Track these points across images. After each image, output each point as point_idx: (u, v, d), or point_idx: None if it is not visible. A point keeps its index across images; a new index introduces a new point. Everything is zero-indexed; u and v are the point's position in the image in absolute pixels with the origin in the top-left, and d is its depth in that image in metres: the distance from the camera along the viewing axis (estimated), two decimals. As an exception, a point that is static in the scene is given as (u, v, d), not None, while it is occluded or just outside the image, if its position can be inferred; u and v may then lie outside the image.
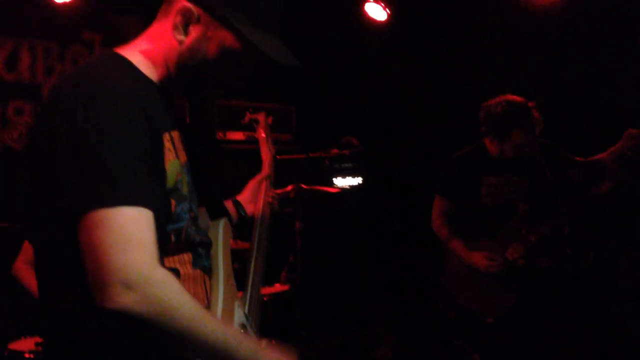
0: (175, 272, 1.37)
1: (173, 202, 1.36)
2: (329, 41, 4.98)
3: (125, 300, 1.15)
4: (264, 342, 1.50)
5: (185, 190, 1.41)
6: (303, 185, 3.66)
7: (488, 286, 3.17)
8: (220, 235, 1.60)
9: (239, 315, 1.54)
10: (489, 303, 3.17)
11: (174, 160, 1.37)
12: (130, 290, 1.15)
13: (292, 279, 3.76)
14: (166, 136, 1.36)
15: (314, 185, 3.79)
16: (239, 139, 4.47)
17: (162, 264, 1.33)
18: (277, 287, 3.83)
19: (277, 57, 1.40)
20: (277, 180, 3.71)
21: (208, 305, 1.45)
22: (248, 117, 2.36)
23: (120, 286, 1.15)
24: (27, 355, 2.77)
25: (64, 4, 3.99)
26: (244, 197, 2.01)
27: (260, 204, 1.98)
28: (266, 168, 2.13)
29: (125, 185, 1.19)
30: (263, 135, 2.25)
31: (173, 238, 1.37)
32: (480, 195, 3.23)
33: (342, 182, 4.66)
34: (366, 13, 4.68)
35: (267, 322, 3.18)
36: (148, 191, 1.24)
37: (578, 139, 3.50)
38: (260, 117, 2.30)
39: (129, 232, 1.17)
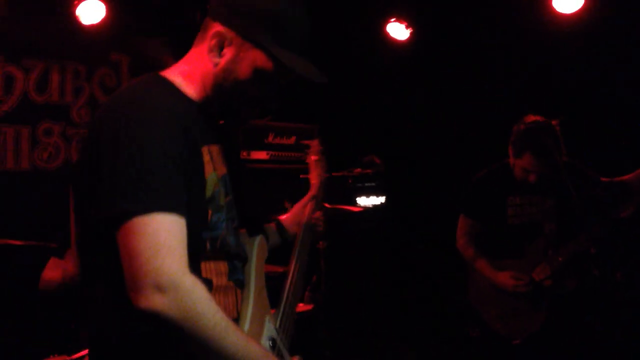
0: (208, 282, 1.44)
1: (210, 211, 1.45)
2: (351, 61, 5.00)
3: (156, 302, 1.24)
4: (295, 359, 1.54)
5: (222, 201, 1.49)
6: (326, 205, 3.67)
7: (514, 307, 3.13)
8: (255, 251, 1.67)
9: (269, 328, 1.59)
10: (515, 324, 3.12)
11: (212, 173, 1.46)
12: (161, 292, 1.24)
13: (316, 298, 3.75)
14: (205, 150, 1.45)
15: (337, 204, 3.80)
16: (262, 158, 4.50)
17: (199, 268, 1.43)
18: (301, 307, 3.82)
19: (306, 74, 1.49)
20: (301, 199, 3.73)
21: (237, 316, 1.52)
22: (301, 142, 2.41)
23: (152, 288, 1.24)
24: (54, 374, 2.80)
25: (92, 26, 4.08)
26: (287, 219, 2.07)
27: (303, 223, 2.02)
28: (313, 191, 2.18)
29: (159, 193, 1.28)
30: (313, 158, 2.27)
31: (209, 245, 1.45)
32: (506, 215, 3.21)
33: (365, 201, 4.66)
34: (388, 33, 4.71)
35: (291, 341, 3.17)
36: (181, 199, 1.32)
37: (604, 158, 3.46)
38: (314, 143, 2.33)
39: (161, 238, 1.26)
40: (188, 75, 1.52)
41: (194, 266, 1.40)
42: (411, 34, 4.69)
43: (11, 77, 3.95)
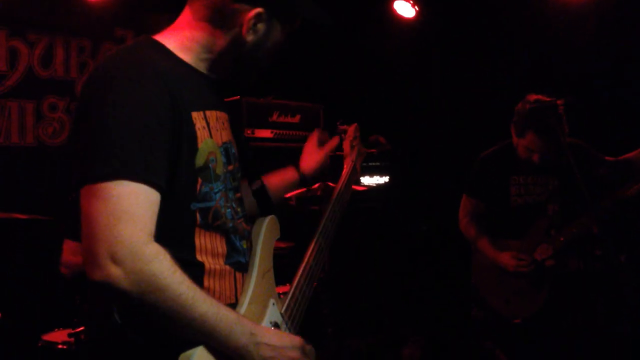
0: (200, 266, 1.37)
1: (200, 180, 1.36)
2: (357, 39, 4.97)
3: (110, 272, 1.14)
4: (298, 339, 1.43)
5: (219, 170, 1.42)
6: (330, 184, 3.67)
7: (516, 287, 3.14)
8: (263, 231, 1.58)
9: (272, 312, 1.50)
10: (517, 304, 3.14)
11: (207, 140, 1.39)
12: (116, 264, 1.14)
13: (319, 276, 3.77)
14: (198, 114, 1.38)
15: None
16: (266, 136, 4.50)
17: (193, 245, 1.35)
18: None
19: (317, 18, 1.54)
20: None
21: (235, 302, 1.44)
22: (339, 127, 2.33)
23: (107, 258, 1.14)
24: (60, 347, 2.84)
25: (97, 1, 4.06)
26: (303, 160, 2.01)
27: (326, 210, 1.88)
28: (342, 176, 2.05)
29: (129, 159, 1.21)
30: (347, 145, 2.18)
31: (199, 218, 1.36)
32: (509, 195, 3.20)
33: (370, 180, 4.66)
34: (395, 10, 4.66)
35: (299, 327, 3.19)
36: (156, 169, 1.24)
37: (608, 138, 3.44)
38: (350, 128, 2.25)
39: (124, 205, 1.17)
40: (187, 40, 1.47)
41: (187, 241, 1.35)
42: (417, 12, 4.65)
43: (16, 52, 3.94)
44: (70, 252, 3.20)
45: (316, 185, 3.65)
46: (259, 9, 1.46)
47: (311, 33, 1.60)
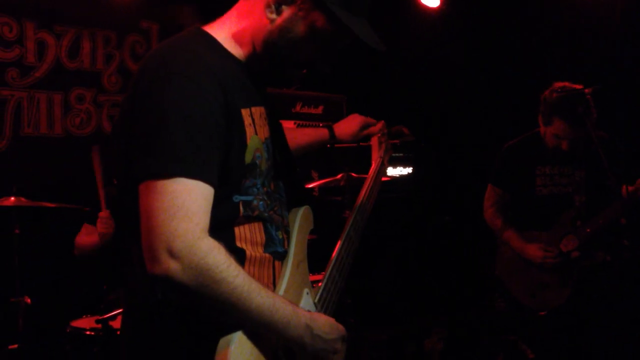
0: (241, 252, 1.39)
1: (246, 174, 1.39)
2: (380, 29, 4.94)
3: (169, 267, 1.19)
4: (343, 329, 1.47)
5: (263, 166, 1.44)
6: (353, 174, 3.67)
7: (542, 279, 3.12)
8: (298, 221, 1.60)
9: (306, 302, 1.53)
10: (542, 297, 3.11)
11: (253, 136, 1.40)
12: (174, 257, 1.19)
13: (350, 267, 3.77)
14: (246, 112, 1.40)
15: (364, 174, 3.79)
16: (290, 127, 4.51)
17: (233, 235, 1.38)
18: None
19: (367, 39, 1.45)
20: (327, 168, 3.73)
21: (273, 288, 1.46)
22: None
23: (165, 253, 1.19)
24: (87, 333, 2.90)
25: (123, -6, 4.11)
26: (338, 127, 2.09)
27: (356, 205, 1.88)
28: (370, 172, 2.07)
29: (186, 157, 1.24)
30: (374, 140, 2.20)
31: (241, 209, 1.39)
32: (535, 185, 3.17)
33: (393, 171, 4.65)
34: (419, 0, 4.63)
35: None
36: (210, 166, 1.28)
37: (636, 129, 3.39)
38: (379, 124, 2.25)
39: (179, 201, 1.21)
40: (236, 32, 1.46)
41: (227, 232, 1.38)
42: (442, 2, 4.61)
43: (44, 44, 4.00)
44: (85, 233, 3.28)
45: (339, 176, 3.66)
46: None
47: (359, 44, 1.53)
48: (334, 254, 1.71)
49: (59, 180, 3.83)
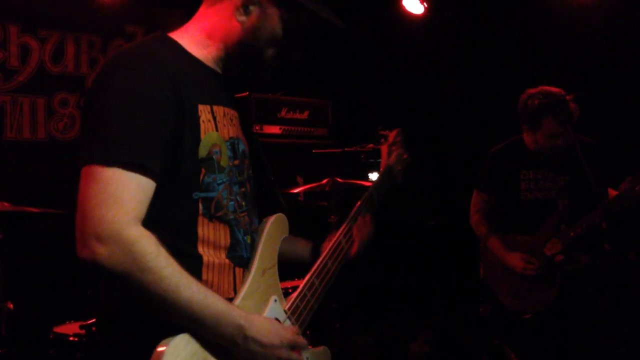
0: (198, 258, 1.38)
1: (203, 170, 1.39)
2: (365, 35, 4.97)
3: (95, 251, 1.20)
4: (289, 335, 1.42)
5: (224, 163, 1.44)
6: (338, 179, 3.68)
7: (527, 283, 3.14)
8: (267, 228, 1.57)
9: (273, 309, 1.49)
10: (527, 299, 3.14)
11: (211, 132, 1.42)
12: (101, 243, 1.20)
13: (336, 275, 3.77)
14: (205, 108, 1.42)
15: (350, 179, 3.81)
16: (275, 132, 4.51)
17: (196, 234, 1.37)
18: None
19: (332, 20, 1.50)
20: (313, 173, 3.73)
21: (234, 295, 1.43)
22: (380, 132, 2.35)
23: (93, 237, 1.21)
24: (71, 339, 2.87)
25: (108, -2, 4.09)
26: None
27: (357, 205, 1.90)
28: (378, 178, 2.10)
29: (124, 146, 1.26)
30: (384, 147, 2.22)
31: (201, 207, 1.39)
32: (520, 190, 3.21)
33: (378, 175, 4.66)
34: (403, 7, 4.67)
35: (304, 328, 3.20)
36: (151, 155, 1.29)
37: (618, 135, 3.44)
38: (392, 133, 2.27)
39: (111, 188, 1.23)
40: (201, 37, 1.49)
41: (189, 230, 1.37)
42: (426, 8, 4.65)
43: (27, 48, 3.97)
44: None
45: (324, 181, 3.67)
46: None
47: (320, 29, 1.58)
48: (318, 261, 1.69)
49: (43, 185, 3.79)
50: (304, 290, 1.60)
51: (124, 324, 1.34)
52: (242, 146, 1.54)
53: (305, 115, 4.59)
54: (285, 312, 1.52)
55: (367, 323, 4.36)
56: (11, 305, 3.09)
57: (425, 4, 4.61)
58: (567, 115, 2.88)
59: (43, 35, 4.02)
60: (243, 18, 1.47)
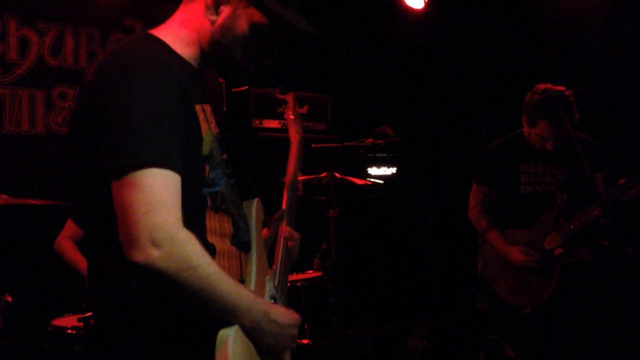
0: (211, 247, 1.47)
1: (207, 167, 1.47)
2: (365, 30, 4.97)
3: (151, 255, 1.28)
4: (297, 317, 1.55)
5: (219, 158, 1.52)
6: (337, 174, 3.69)
7: (526, 277, 3.15)
8: (253, 213, 1.68)
9: (269, 287, 1.66)
10: (526, 294, 3.14)
11: (208, 130, 1.49)
12: (156, 247, 1.28)
13: (325, 266, 3.79)
14: (199, 107, 1.48)
15: (348, 174, 3.81)
16: (274, 126, 4.51)
17: (204, 226, 1.47)
18: (310, 274, 3.87)
19: (301, 27, 1.54)
20: (312, 168, 3.73)
21: (241, 279, 1.56)
22: (277, 96, 2.36)
23: (148, 243, 1.28)
24: (69, 332, 2.88)
25: (107, -9, 4.09)
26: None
27: (288, 182, 2.00)
28: (292, 149, 2.13)
29: (156, 149, 1.31)
30: (292, 117, 2.24)
31: (209, 201, 1.48)
32: (520, 183, 3.22)
33: (377, 171, 4.67)
34: (403, 1, 4.66)
35: (299, 308, 3.22)
36: (177, 155, 1.35)
37: (619, 133, 3.43)
38: (289, 97, 2.30)
39: (157, 194, 1.30)
40: (181, 35, 1.53)
41: (199, 223, 1.45)
42: (426, 3, 4.64)
43: (26, 40, 3.96)
44: (70, 228, 3.29)
45: (323, 175, 3.67)
46: None
47: (320, 24, 1.58)
48: (281, 238, 1.83)
49: (41, 178, 3.79)
50: (281, 266, 1.77)
51: (144, 318, 1.40)
52: (224, 140, 1.61)
53: (305, 109, 4.59)
54: (276, 288, 1.69)
55: (365, 318, 4.37)
56: (9, 298, 3.10)
57: (425, -2, 4.61)
58: (562, 118, 2.87)
59: (42, 28, 4.01)
60: (214, 17, 1.51)
